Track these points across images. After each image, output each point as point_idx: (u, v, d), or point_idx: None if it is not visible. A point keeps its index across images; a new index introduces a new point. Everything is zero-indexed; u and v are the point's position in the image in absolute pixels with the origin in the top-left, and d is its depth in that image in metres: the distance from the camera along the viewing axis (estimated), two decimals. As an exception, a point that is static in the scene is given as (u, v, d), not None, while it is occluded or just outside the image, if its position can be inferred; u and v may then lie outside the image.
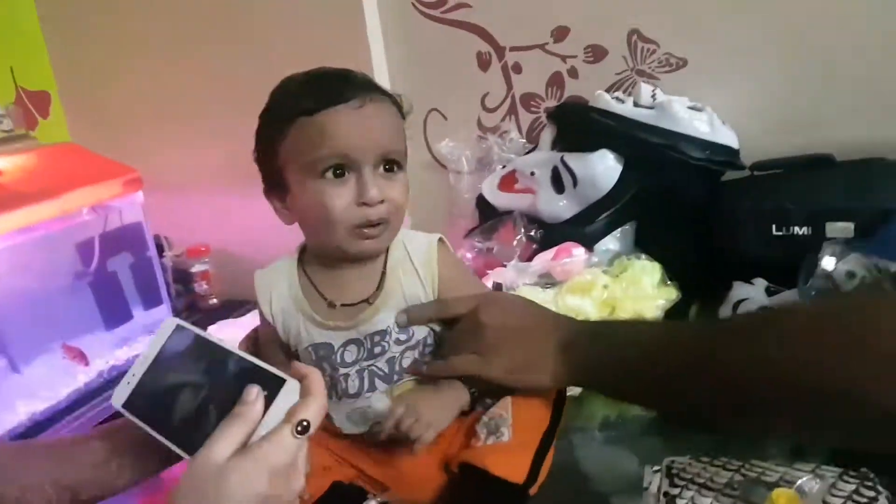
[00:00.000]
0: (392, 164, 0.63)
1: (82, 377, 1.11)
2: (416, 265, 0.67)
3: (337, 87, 0.61)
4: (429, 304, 0.67)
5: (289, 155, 0.62)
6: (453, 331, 0.67)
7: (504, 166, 1.21)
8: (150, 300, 1.23)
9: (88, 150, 1.22)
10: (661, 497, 0.62)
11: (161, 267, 1.25)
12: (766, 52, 1.11)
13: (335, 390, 0.66)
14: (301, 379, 0.50)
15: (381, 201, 0.61)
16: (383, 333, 0.65)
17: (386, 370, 0.66)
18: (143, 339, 1.20)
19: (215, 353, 0.52)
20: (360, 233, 0.62)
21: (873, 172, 0.99)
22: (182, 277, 1.44)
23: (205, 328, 0.88)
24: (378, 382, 0.66)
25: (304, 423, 0.48)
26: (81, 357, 1.11)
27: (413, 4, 1.31)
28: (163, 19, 1.47)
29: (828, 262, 0.75)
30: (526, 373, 0.64)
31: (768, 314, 0.63)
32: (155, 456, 0.59)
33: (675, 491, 0.62)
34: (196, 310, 1.45)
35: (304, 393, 0.50)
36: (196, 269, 1.46)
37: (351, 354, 0.65)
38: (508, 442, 0.62)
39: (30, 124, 1.49)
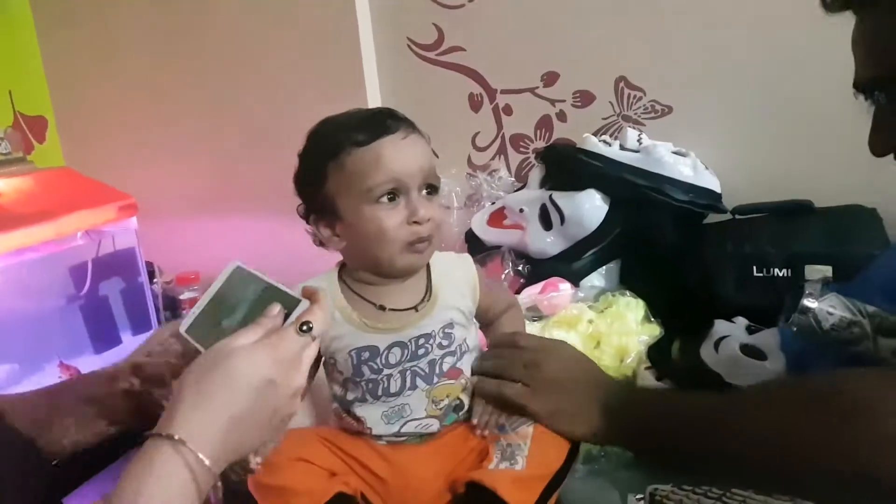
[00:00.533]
0: (432, 188, 0.69)
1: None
2: (458, 277, 0.74)
3: (382, 120, 0.68)
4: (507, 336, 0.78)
5: (342, 184, 0.67)
6: (509, 360, 0.74)
7: (493, 202, 1.25)
8: (140, 325, 1.23)
9: (84, 175, 1.24)
10: (647, 527, 0.63)
11: (151, 293, 1.25)
12: (749, 102, 1.17)
13: (376, 391, 0.70)
14: (311, 297, 0.58)
15: (428, 219, 0.67)
16: (428, 337, 0.70)
17: (427, 371, 0.70)
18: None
19: (259, 285, 0.61)
20: (411, 248, 0.67)
21: (850, 219, 1.03)
22: (170, 304, 1.44)
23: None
24: (419, 381, 0.70)
25: (308, 324, 0.55)
26: (73, 371, 1.11)
27: (409, 46, 1.35)
28: (162, 50, 1.51)
29: (809, 300, 0.78)
30: (566, 420, 0.70)
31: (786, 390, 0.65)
32: None
33: (658, 519, 0.63)
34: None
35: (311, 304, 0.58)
36: (185, 296, 1.46)
37: (395, 356, 0.69)
38: (521, 471, 0.65)
39: (27, 149, 1.51)
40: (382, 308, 0.70)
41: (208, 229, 1.52)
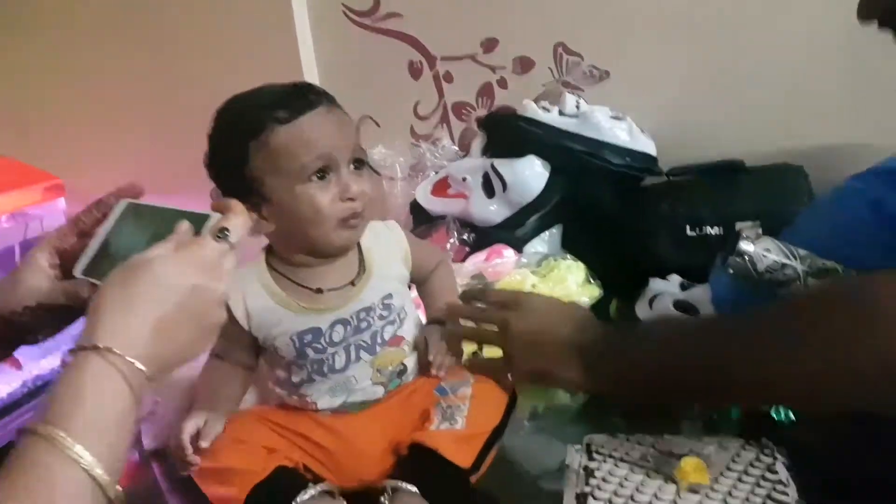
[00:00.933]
0: (360, 162, 0.69)
1: (4, 388, 1.08)
2: (388, 246, 0.75)
3: (303, 95, 0.66)
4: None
5: (267, 164, 0.66)
6: (483, 327, 0.71)
7: (437, 172, 1.25)
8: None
9: (8, 157, 1.20)
10: (581, 471, 0.67)
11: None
12: (684, 66, 1.19)
13: (322, 369, 0.71)
14: (223, 211, 0.55)
15: (360, 194, 0.67)
16: (368, 310, 0.72)
17: (369, 342, 0.72)
18: (68, 348, 1.17)
19: (159, 214, 0.56)
20: (345, 224, 0.67)
21: (779, 177, 1.08)
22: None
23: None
24: (363, 353, 0.72)
25: (225, 230, 0.52)
26: (14, 362, 1.09)
27: (344, 13, 1.33)
28: (87, 29, 1.45)
29: (745, 243, 0.81)
30: (548, 380, 0.68)
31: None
32: None
33: (594, 465, 0.67)
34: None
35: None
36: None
37: (338, 334, 0.71)
38: (461, 430, 0.68)
39: (-51, 131, 1.44)
40: (319, 290, 0.70)
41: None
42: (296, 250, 0.71)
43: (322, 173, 0.66)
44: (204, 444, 0.66)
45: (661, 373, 0.59)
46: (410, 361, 0.75)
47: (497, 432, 0.70)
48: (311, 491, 0.65)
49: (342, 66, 1.35)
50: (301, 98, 0.66)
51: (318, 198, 0.66)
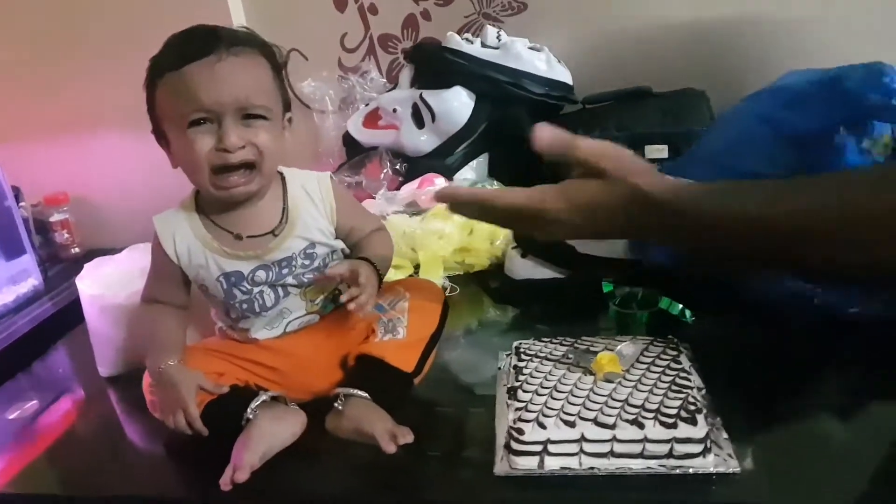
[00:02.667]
0: (253, 116, 0.68)
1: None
2: (314, 198, 0.75)
3: (198, 43, 0.66)
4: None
5: (162, 108, 0.69)
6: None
7: (367, 104, 1.28)
8: (12, 250, 1.18)
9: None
10: (511, 370, 0.75)
11: (20, 216, 1.20)
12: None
13: (253, 308, 0.74)
14: None
15: (243, 146, 0.67)
16: (289, 260, 0.73)
17: (294, 282, 0.74)
18: (8, 289, 1.17)
19: None
20: (223, 179, 0.68)
21: (683, 101, 1.16)
22: (41, 227, 1.39)
23: (70, 278, 0.90)
24: (291, 289, 0.74)
25: None
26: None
27: (268, -57, 1.30)
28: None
29: None
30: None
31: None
32: None
33: (522, 364, 0.74)
34: (57, 260, 1.41)
35: None
36: (55, 217, 1.41)
37: (261, 277, 0.73)
38: (403, 339, 0.74)
39: None
40: (239, 237, 0.73)
41: (72, 148, 1.45)
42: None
43: (202, 121, 0.67)
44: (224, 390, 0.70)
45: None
46: (344, 287, 0.75)
47: (435, 337, 0.77)
48: (262, 397, 0.70)
49: (267, -1, 1.33)
50: (192, 45, 0.66)
51: (195, 145, 0.67)
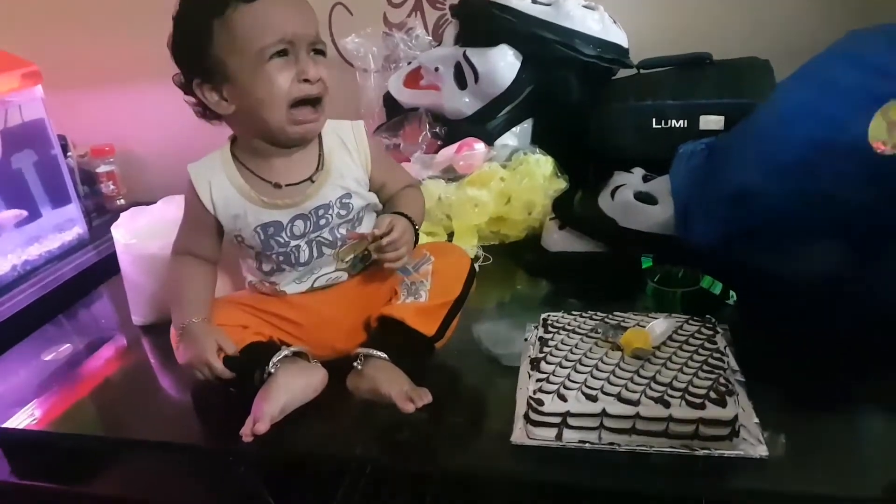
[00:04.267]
0: (319, 51, 0.69)
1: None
2: (348, 146, 0.75)
3: None
4: None
5: (230, 44, 0.66)
6: None
7: (409, 63, 1.24)
8: (58, 199, 1.22)
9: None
10: (537, 341, 0.73)
11: (66, 166, 1.23)
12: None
13: (289, 260, 0.74)
14: None
15: (319, 79, 0.68)
16: (327, 207, 0.73)
17: (330, 238, 0.74)
18: (53, 237, 1.20)
19: None
20: (299, 112, 0.68)
21: (744, 71, 1.09)
22: (87, 178, 1.43)
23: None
24: (325, 249, 0.74)
25: None
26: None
27: None
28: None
29: None
30: None
31: None
32: None
33: (549, 336, 0.72)
34: (104, 211, 1.44)
35: None
36: (101, 169, 1.44)
37: (299, 228, 0.73)
38: (424, 303, 0.72)
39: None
40: (278, 186, 0.72)
41: (119, 101, 1.47)
42: (254, 135, 0.71)
43: (282, 54, 0.66)
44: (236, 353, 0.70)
45: None
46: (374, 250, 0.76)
47: (458, 302, 0.75)
48: (284, 351, 0.70)
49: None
50: None
51: (276, 77, 0.66)
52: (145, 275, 0.89)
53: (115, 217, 0.95)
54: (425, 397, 0.67)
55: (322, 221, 0.73)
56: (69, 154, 1.28)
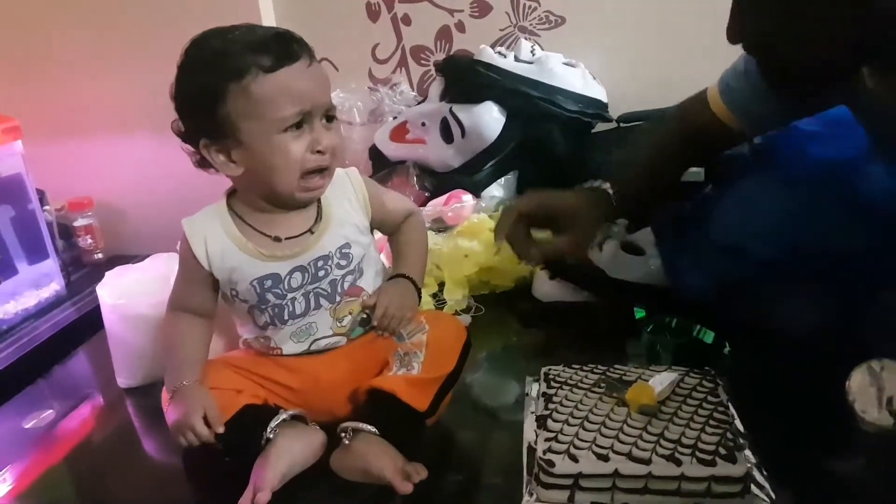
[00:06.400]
0: (331, 117, 0.69)
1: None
2: (346, 193, 0.75)
3: (287, 45, 0.66)
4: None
5: (246, 111, 0.65)
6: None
7: (395, 117, 1.26)
8: (35, 254, 1.18)
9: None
10: (540, 398, 0.72)
11: (44, 220, 1.20)
12: (635, 15, 1.22)
13: (282, 315, 0.72)
14: None
15: (331, 148, 0.68)
16: (326, 258, 0.72)
17: (329, 290, 0.73)
18: (30, 293, 1.16)
19: None
20: (310, 181, 0.68)
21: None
22: (64, 232, 1.39)
23: (93, 283, 0.89)
24: (322, 301, 0.73)
25: None
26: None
27: (301, -47, 1.30)
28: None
29: None
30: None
31: None
32: None
33: (552, 391, 0.71)
34: (80, 265, 1.40)
35: None
36: (79, 222, 1.41)
37: (296, 280, 0.72)
38: (417, 375, 0.70)
39: None
40: (278, 239, 0.71)
41: (95, 152, 1.45)
42: (258, 196, 0.71)
43: (298, 125, 0.66)
44: (220, 430, 0.67)
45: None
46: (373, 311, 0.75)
47: (451, 378, 0.73)
48: (283, 415, 0.68)
49: (299, 6, 1.33)
50: (285, 47, 0.65)
51: (291, 147, 0.66)
52: (133, 335, 0.87)
53: (93, 271, 0.93)
54: (421, 472, 0.65)
55: (321, 273, 0.72)
56: (46, 208, 1.25)
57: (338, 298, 0.73)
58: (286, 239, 0.71)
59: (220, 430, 0.67)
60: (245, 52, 0.65)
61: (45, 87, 1.43)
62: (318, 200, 0.73)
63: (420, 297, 0.76)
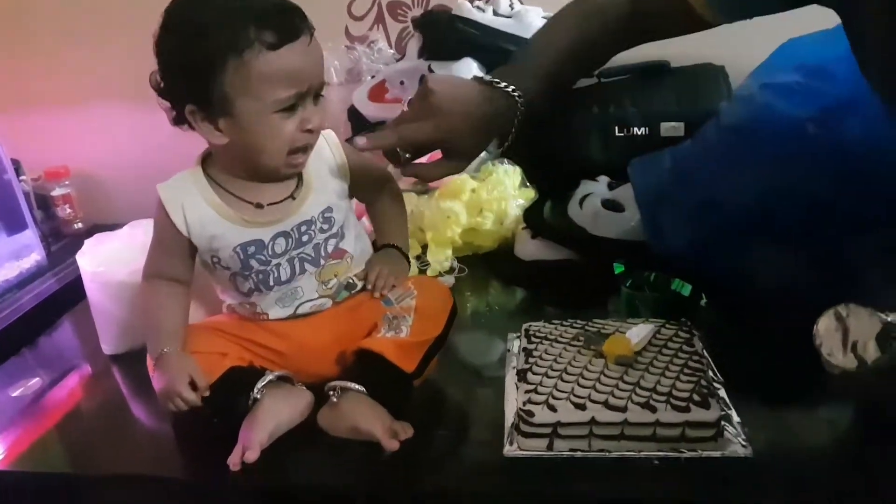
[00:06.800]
0: (321, 95, 0.69)
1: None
2: (325, 158, 0.74)
3: (292, 21, 0.64)
4: (390, 131, 0.77)
5: (242, 86, 0.63)
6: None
7: (373, 76, 1.24)
8: (14, 225, 1.17)
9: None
10: (521, 353, 0.74)
11: (20, 190, 1.19)
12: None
13: (267, 281, 0.73)
14: None
15: (318, 126, 0.69)
16: (309, 223, 0.72)
17: (313, 255, 0.73)
18: (11, 264, 1.16)
19: None
20: (296, 157, 0.69)
21: (701, 78, 1.13)
22: (42, 202, 1.38)
23: (73, 253, 0.89)
24: (307, 265, 0.73)
25: None
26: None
27: None
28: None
29: None
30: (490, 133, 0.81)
31: None
32: None
33: (532, 346, 0.73)
34: (60, 235, 1.40)
35: None
36: (56, 192, 1.40)
37: (280, 246, 0.72)
38: (405, 338, 0.71)
39: None
40: (260, 206, 0.71)
41: (71, 120, 1.43)
42: (240, 166, 0.70)
43: (293, 106, 0.66)
44: (206, 393, 0.68)
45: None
46: (355, 273, 0.76)
47: (438, 342, 0.74)
48: (269, 376, 0.69)
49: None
50: (289, 22, 0.64)
51: (283, 126, 0.66)
52: (114, 302, 0.87)
53: (73, 241, 0.93)
54: (408, 430, 0.66)
55: (305, 238, 0.73)
56: (22, 178, 1.24)
57: (322, 262, 0.74)
58: (268, 205, 0.71)
59: (207, 393, 0.68)
60: (248, 23, 0.62)
61: (16, 56, 1.40)
62: None
63: (409, 266, 0.77)
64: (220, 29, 0.62)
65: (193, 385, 0.67)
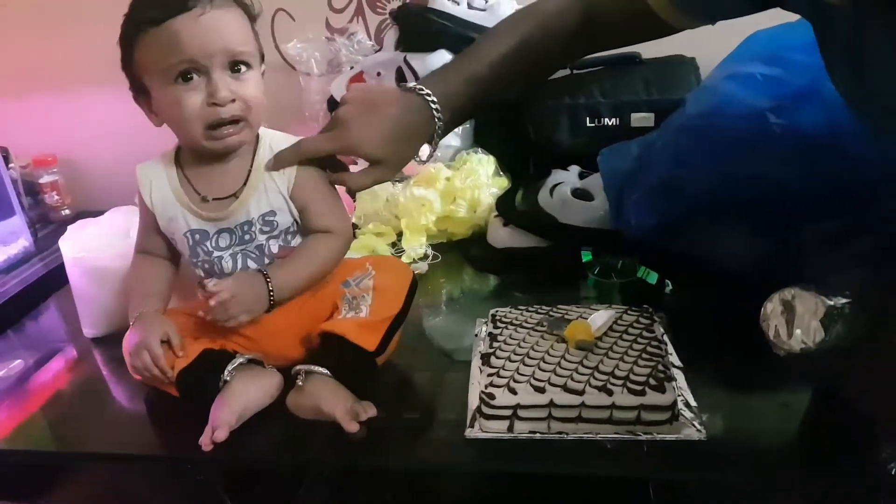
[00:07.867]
0: (239, 65, 0.69)
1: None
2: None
3: None
4: (292, 147, 0.73)
5: (145, 63, 0.68)
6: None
7: (352, 67, 1.26)
8: (2, 211, 1.19)
9: None
10: (487, 337, 0.76)
11: (9, 177, 1.20)
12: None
13: (212, 271, 0.75)
14: None
15: (233, 100, 0.68)
16: (249, 224, 0.73)
17: (257, 253, 0.74)
18: (-1, 250, 1.18)
19: None
20: (215, 132, 0.69)
21: (672, 69, 1.15)
22: (30, 189, 1.40)
23: (59, 238, 0.91)
24: (250, 262, 0.74)
25: None
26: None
27: None
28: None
29: None
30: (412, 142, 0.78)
31: None
32: None
33: (497, 331, 0.76)
34: (48, 221, 1.42)
35: None
36: (45, 179, 1.41)
37: (224, 241, 0.74)
38: (365, 318, 0.73)
39: None
40: (205, 199, 0.73)
41: (59, 108, 1.44)
42: (186, 147, 0.73)
43: (189, 76, 0.67)
44: (180, 354, 0.70)
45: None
46: None
47: (399, 318, 0.75)
48: (239, 359, 0.71)
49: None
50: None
51: (184, 100, 0.67)
52: (95, 287, 0.89)
53: (61, 228, 0.94)
54: (370, 410, 0.68)
55: (247, 237, 0.73)
56: (11, 165, 1.25)
57: (266, 261, 0.74)
58: (213, 199, 0.73)
59: (181, 354, 0.70)
60: (143, 6, 0.67)
61: (3, 45, 1.40)
62: (252, 162, 0.73)
63: (273, 305, 0.73)
64: (130, 16, 0.68)
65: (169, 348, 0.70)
